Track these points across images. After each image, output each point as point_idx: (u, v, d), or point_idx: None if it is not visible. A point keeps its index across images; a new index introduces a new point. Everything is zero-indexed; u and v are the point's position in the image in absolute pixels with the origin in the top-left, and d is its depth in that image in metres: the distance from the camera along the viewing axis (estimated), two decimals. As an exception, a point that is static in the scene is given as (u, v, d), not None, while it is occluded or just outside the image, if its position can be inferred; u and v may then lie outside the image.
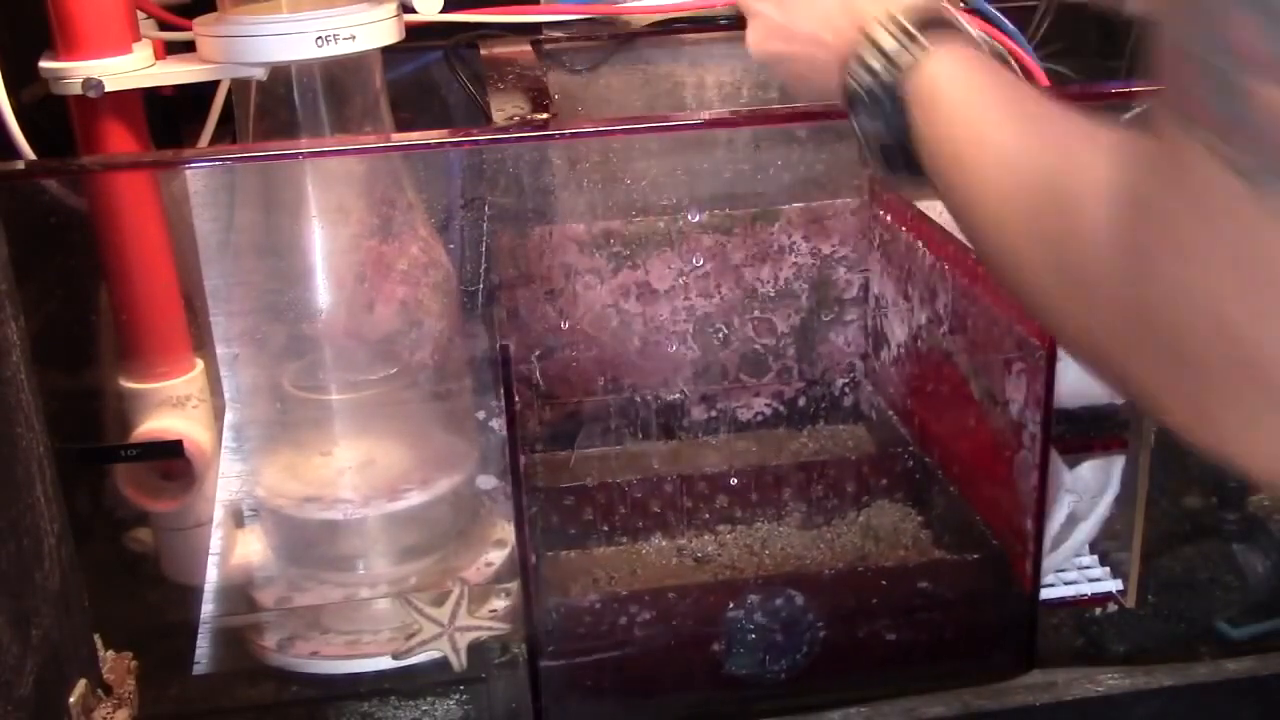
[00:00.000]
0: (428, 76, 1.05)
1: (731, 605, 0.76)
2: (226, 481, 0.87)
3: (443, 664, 0.81)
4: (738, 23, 1.07)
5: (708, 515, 0.90)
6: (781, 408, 1.02)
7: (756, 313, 0.99)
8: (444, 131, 0.98)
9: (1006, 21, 0.92)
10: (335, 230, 0.84)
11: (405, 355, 0.87)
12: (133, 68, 0.76)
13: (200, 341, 0.84)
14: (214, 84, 0.87)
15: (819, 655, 0.77)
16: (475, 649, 0.81)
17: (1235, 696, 0.81)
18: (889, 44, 0.56)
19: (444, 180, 0.91)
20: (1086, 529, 0.83)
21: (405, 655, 0.80)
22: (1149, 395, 0.40)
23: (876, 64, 0.56)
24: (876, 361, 0.99)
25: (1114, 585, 0.86)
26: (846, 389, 1.02)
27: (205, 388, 0.84)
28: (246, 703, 0.84)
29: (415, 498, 0.87)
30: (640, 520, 0.89)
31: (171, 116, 0.94)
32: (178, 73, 0.78)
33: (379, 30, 0.78)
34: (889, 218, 0.94)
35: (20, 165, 0.75)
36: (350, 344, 0.86)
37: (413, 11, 0.84)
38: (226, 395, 0.86)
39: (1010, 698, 0.79)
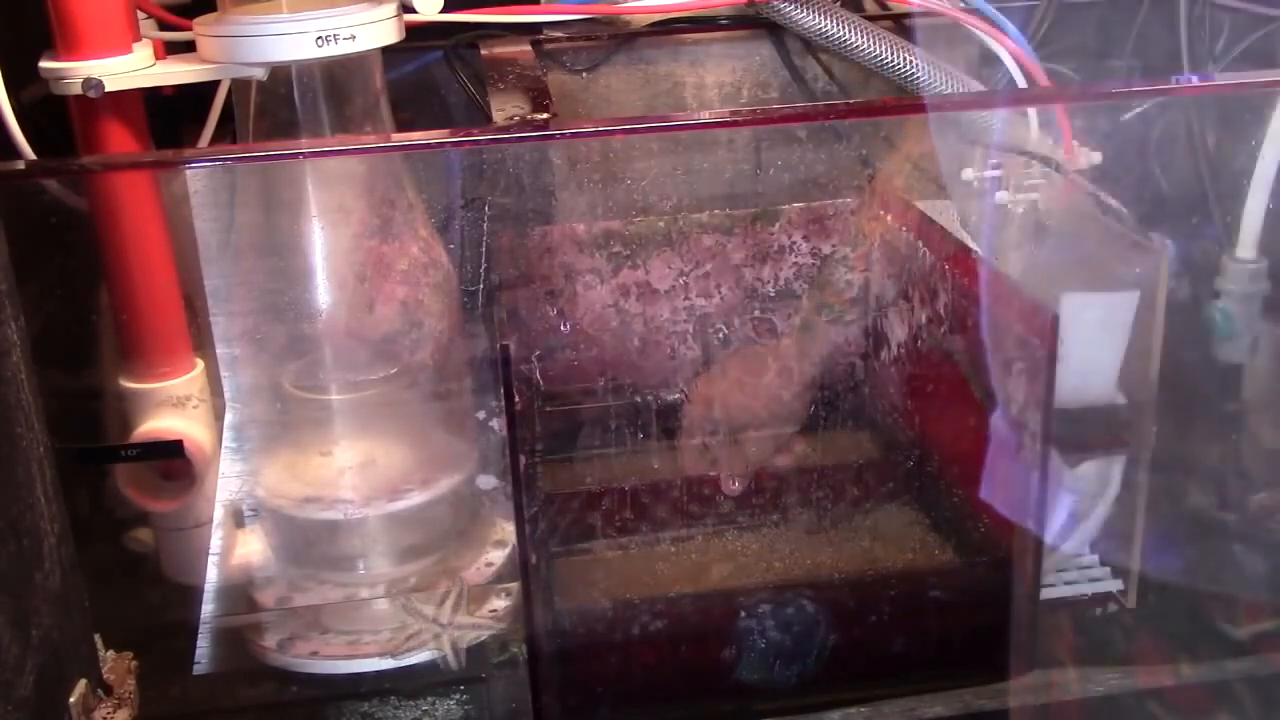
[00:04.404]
0: (428, 76, 1.05)
1: (743, 612, 0.76)
2: (226, 481, 0.87)
3: (442, 663, 0.81)
4: (737, 22, 1.08)
5: (711, 517, 0.90)
6: (781, 408, 1.02)
7: (756, 313, 0.99)
8: (444, 131, 0.98)
9: (1006, 21, 0.92)
10: (335, 230, 0.84)
11: (405, 355, 0.87)
12: (133, 68, 0.76)
13: (200, 341, 0.84)
14: (214, 84, 0.87)
15: (829, 660, 0.77)
16: (475, 649, 0.81)
17: (1235, 696, 0.81)
18: None
19: (444, 180, 0.91)
20: (1086, 529, 0.83)
21: (401, 654, 0.81)
22: None
23: None
24: (876, 361, 0.99)
25: (1114, 585, 0.86)
26: (847, 389, 1.02)
27: (205, 388, 0.84)
28: (246, 703, 0.84)
29: (415, 498, 0.87)
30: (643, 522, 0.89)
31: (171, 116, 0.94)
32: (178, 73, 0.78)
33: (379, 30, 0.78)
34: (889, 218, 0.94)
35: (20, 165, 0.75)
36: (350, 344, 0.86)
37: (413, 11, 0.84)
38: (226, 395, 0.86)
39: (1010, 698, 0.79)
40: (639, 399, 0.98)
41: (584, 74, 1.06)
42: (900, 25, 1.01)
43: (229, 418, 0.86)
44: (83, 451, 0.81)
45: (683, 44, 1.08)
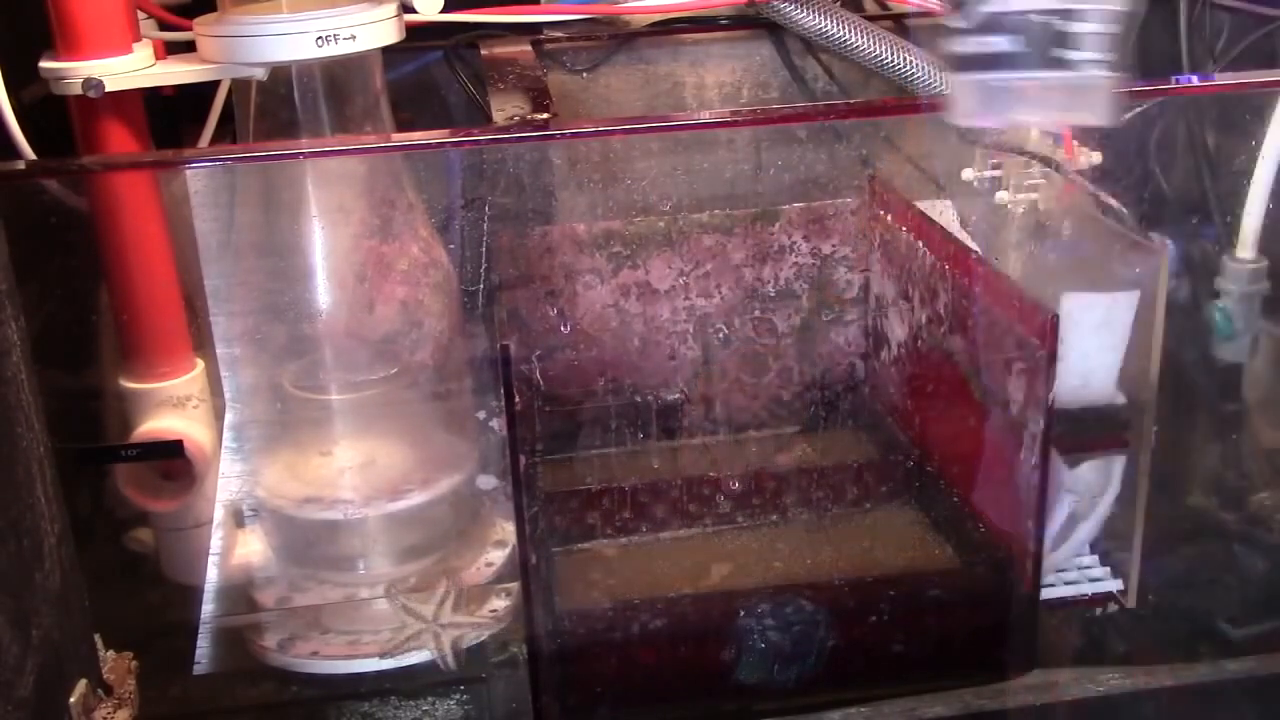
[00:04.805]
0: (428, 76, 1.05)
1: (743, 613, 0.76)
2: (226, 481, 0.87)
3: (442, 663, 0.81)
4: (737, 22, 1.08)
5: (711, 517, 0.90)
6: (781, 408, 1.02)
7: (757, 312, 0.99)
8: (444, 131, 0.98)
9: (1006, 21, 0.91)
10: (335, 230, 0.84)
11: (405, 355, 0.87)
12: (133, 68, 0.76)
13: (200, 341, 0.84)
14: (214, 84, 0.87)
15: (829, 661, 0.77)
16: (475, 649, 0.81)
17: (1235, 696, 0.81)
18: None
19: (444, 180, 0.91)
20: (1086, 529, 0.83)
21: (397, 654, 0.81)
22: None
23: None
24: (876, 361, 0.99)
25: (1114, 585, 0.86)
26: (846, 389, 1.02)
27: (205, 388, 0.84)
28: (246, 703, 0.84)
29: (415, 498, 0.87)
30: (642, 523, 0.89)
31: (171, 116, 0.94)
32: (178, 73, 0.78)
33: (379, 30, 0.78)
34: (889, 218, 0.94)
35: (20, 165, 0.75)
36: (350, 344, 0.86)
37: (413, 11, 0.84)
38: (226, 395, 0.86)
39: (1010, 698, 0.79)
40: (639, 399, 0.98)
41: (584, 74, 1.06)
42: (900, 25, 1.01)
43: (229, 418, 0.86)
44: (83, 451, 0.81)
45: (683, 44, 1.08)
